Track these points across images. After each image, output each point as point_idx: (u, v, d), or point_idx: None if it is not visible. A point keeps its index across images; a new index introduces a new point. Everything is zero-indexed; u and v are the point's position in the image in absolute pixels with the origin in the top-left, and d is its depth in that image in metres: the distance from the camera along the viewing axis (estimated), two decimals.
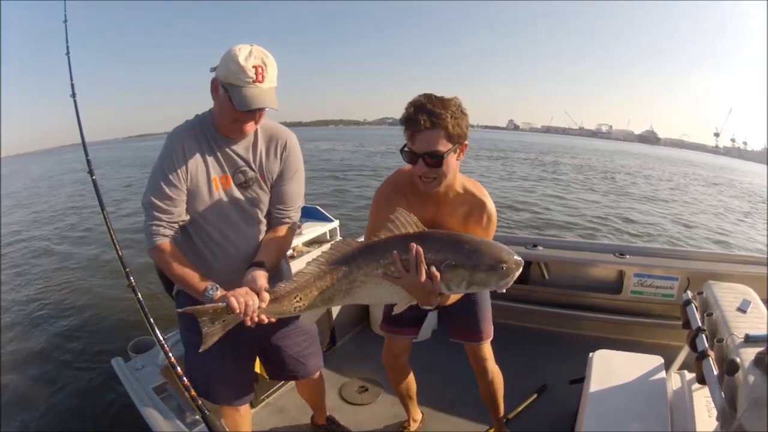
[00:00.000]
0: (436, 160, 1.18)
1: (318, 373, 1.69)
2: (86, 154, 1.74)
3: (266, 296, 1.13)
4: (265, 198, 1.38)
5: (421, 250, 1.06)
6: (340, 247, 1.15)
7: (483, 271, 1.08)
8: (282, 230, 1.40)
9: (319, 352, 1.64)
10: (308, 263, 1.16)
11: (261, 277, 1.19)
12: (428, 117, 1.15)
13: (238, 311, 1.09)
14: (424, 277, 1.06)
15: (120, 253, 1.51)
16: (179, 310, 1.11)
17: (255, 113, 1.20)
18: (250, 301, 1.10)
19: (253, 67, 1.14)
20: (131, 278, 1.43)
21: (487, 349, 1.66)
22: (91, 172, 1.73)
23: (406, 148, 1.22)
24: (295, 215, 1.44)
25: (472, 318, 1.61)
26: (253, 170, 1.33)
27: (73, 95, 1.91)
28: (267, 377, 1.72)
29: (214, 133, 1.29)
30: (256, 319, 1.13)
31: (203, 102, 1.38)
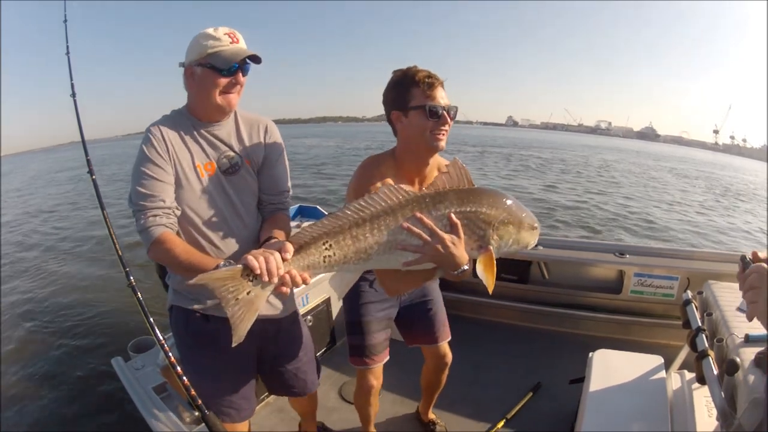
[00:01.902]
0: (455, 112, 1.28)
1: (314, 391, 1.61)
2: (86, 154, 1.73)
3: (289, 246, 0.96)
4: (253, 184, 1.34)
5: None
6: (388, 193, 1.00)
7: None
8: (279, 217, 1.36)
9: (314, 367, 1.59)
10: (345, 206, 1.00)
11: (277, 241, 1.09)
12: (437, 75, 1.26)
13: (258, 270, 0.90)
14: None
15: (120, 253, 1.51)
16: (191, 282, 0.93)
17: (239, 75, 1.22)
18: (271, 257, 0.92)
19: (225, 34, 1.20)
20: (131, 278, 1.42)
21: (448, 347, 1.74)
22: (91, 172, 1.73)
23: (424, 106, 1.24)
24: (288, 201, 1.42)
25: (430, 322, 1.67)
26: (237, 154, 1.30)
27: (73, 95, 1.91)
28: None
29: (194, 120, 1.27)
30: (287, 279, 0.95)
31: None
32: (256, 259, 0.91)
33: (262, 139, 1.35)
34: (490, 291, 1.03)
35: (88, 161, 1.74)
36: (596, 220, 8.55)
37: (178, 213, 1.22)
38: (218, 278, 0.92)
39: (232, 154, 1.30)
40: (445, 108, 1.25)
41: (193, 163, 1.25)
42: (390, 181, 1.26)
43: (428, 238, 0.98)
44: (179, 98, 1.32)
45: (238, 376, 1.39)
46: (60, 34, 1.98)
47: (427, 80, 1.23)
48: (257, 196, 1.37)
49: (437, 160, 1.38)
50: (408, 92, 1.25)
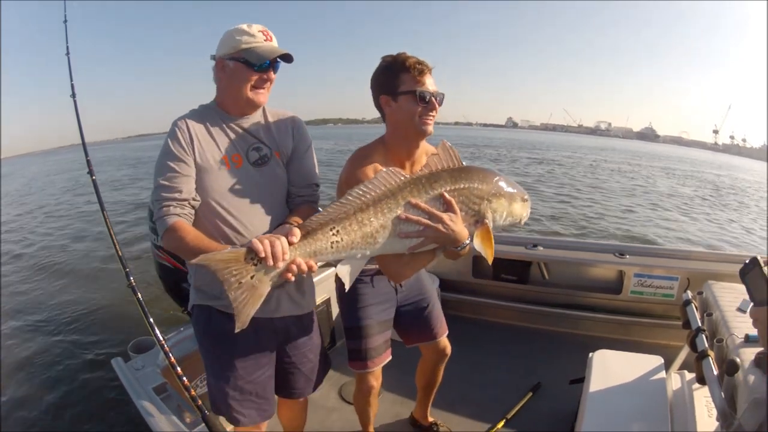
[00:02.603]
0: (442, 98, 1.31)
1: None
2: (86, 155, 1.74)
3: (297, 231, 0.96)
4: (283, 176, 1.34)
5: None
6: (386, 177, 1.03)
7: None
8: (304, 208, 1.34)
9: (321, 369, 1.55)
10: (348, 193, 1.02)
11: (284, 226, 1.10)
12: (426, 62, 1.28)
13: (263, 253, 0.89)
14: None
15: (120, 253, 1.51)
16: (192, 261, 0.92)
17: (270, 72, 1.25)
18: (277, 242, 0.92)
19: (260, 31, 1.23)
20: (131, 278, 1.43)
21: (447, 340, 1.73)
22: (91, 173, 1.74)
23: (414, 91, 1.26)
24: (317, 194, 1.41)
25: (427, 320, 1.66)
26: (267, 146, 1.31)
27: (73, 95, 1.92)
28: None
29: (222, 114, 1.28)
30: (293, 267, 0.94)
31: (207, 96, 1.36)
32: (261, 243, 0.90)
33: (290, 132, 1.36)
34: (490, 261, 1.10)
35: (88, 162, 1.74)
36: (570, 222, 8.52)
37: (196, 204, 1.22)
38: (220, 260, 0.90)
39: (261, 146, 1.30)
40: (434, 94, 1.28)
41: (220, 154, 1.25)
42: (379, 166, 1.28)
43: (428, 222, 1.03)
44: (180, 97, 1.34)
45: (260, 375, 1.35)
46: (60, 35, 1.99)
47: (417, 66, 1.26)
48: (287, 188, 1.37)
49: (425, 146, 1.40)
50: (397, 77, 1.27)
